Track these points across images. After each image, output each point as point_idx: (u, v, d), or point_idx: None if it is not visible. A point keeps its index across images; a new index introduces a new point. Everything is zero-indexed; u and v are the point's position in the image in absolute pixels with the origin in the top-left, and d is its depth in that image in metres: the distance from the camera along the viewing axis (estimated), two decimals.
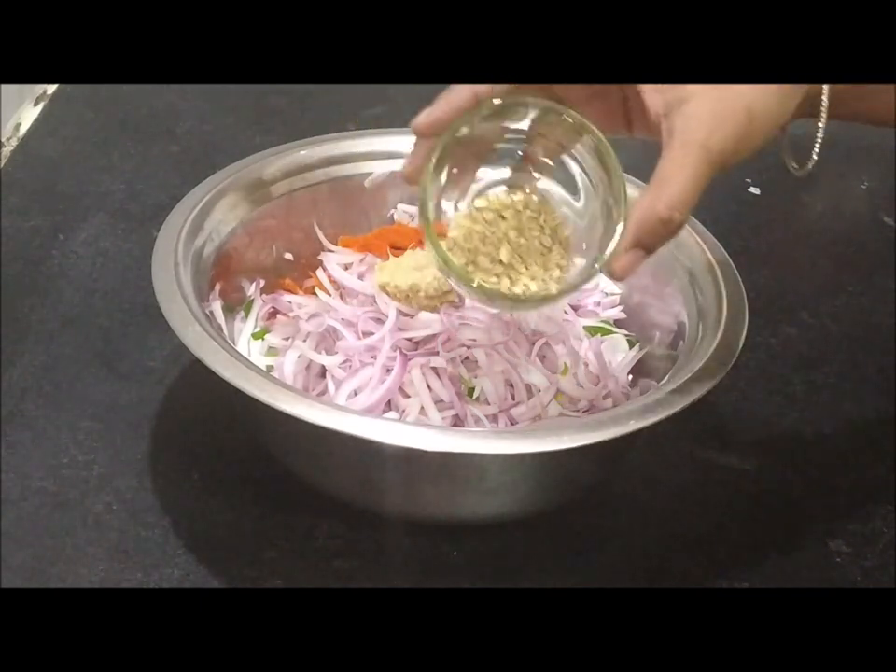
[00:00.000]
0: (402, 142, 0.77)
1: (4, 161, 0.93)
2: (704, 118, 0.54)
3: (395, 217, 0.77)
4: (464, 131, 0.56)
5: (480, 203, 0.58)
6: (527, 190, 0.59)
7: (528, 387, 0.65)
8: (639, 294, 0.73)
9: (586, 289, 0.72)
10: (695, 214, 0.72)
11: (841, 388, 0.78)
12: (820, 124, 0.59)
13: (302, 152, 0.75)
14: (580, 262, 0.58)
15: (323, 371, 0.65)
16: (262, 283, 0.71)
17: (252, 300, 0.70)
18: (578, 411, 0.66)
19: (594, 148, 0.57)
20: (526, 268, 0.57)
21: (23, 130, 0.98)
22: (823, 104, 0.59)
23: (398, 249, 0.71)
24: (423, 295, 0.65)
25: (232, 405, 0.66)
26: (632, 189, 0.74)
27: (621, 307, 0.73)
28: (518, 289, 0.57)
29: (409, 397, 0.63)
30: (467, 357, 0.64)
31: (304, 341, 0.66)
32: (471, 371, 0.64)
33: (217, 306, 0.67)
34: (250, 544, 0.64)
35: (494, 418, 0.64)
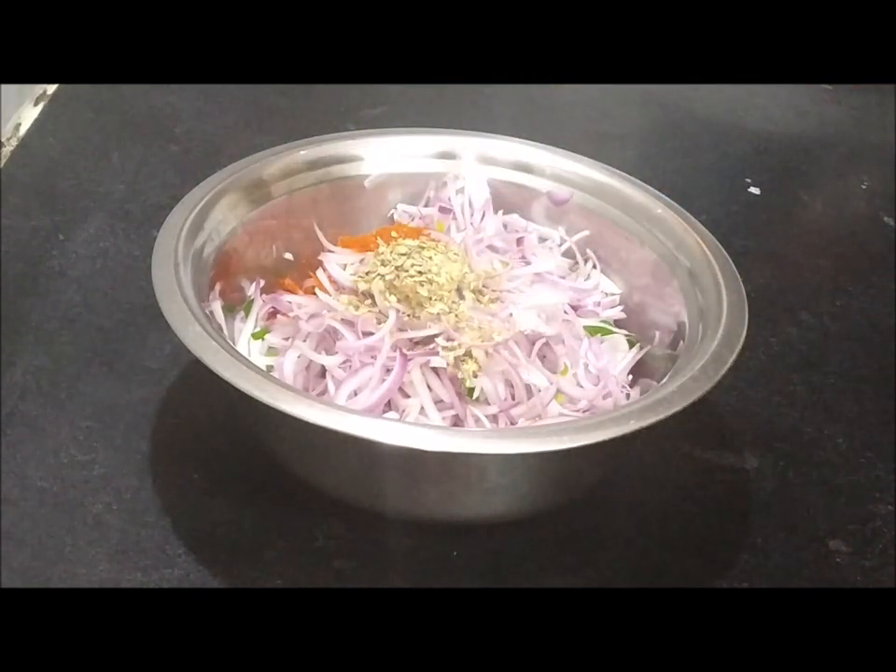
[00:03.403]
0: (402, 142, 0.77)
1: (4, 161, 0.93)
2: None
3: (395, 216, 0.77)
4: None
5: None
6: None
7: (528, 387, 0.65)
8: (639, 294, 0.73)
9: (586, 289, 0.73)
10: (696, 214, 0.73)
11: (841, 388, 0.78)
12: None
13: (302, 152, 0.75)
14: None
15: (323, 371, 0.65)
16: (262, 283, 0.71)
17: (252, 300, 0.70)
18: (578, 411, 0.66)
19: None
20: None
21: (23, 130, 0.97)
22: None
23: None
24: (423, 294, 0.65)
25: (232, 405, 0.66)
26: (631, 188, 0.75)
27: (621, 307, 0.73)
28: None
29: (409, 397, 0.63)
30: (467, 358, 0.64)
31: (304, 341, 0.66)
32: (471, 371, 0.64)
33: (217, 306, 0.67)
34: (250, 544, 0.64)
35: (494, 418, 0.64)
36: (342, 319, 0.65)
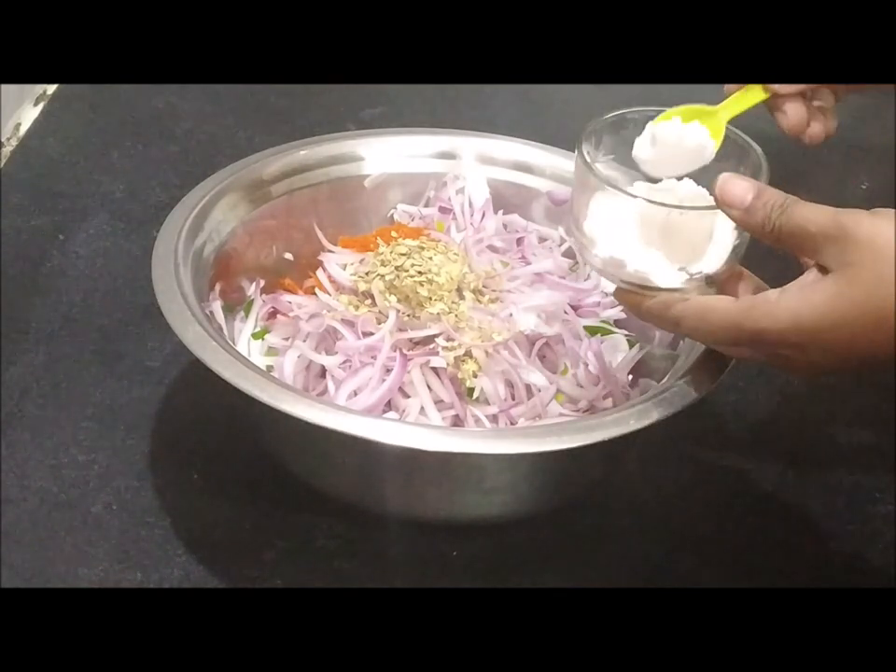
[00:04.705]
0: (402, 142, 0.77)
1: (4, 161, 0.93)
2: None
3: (395, 216, 0.77)
4: None
5: None
6: None
7: (528, 387, 0.65)
8: None
9: (586, 289, 0.73)
10: None
11: (841, 388, 0.78)
12: None
13: (302, 152, 0.75)
14: None
15: (323, 371, 0.65)
16: (262, 283, 0.71)
17: (252, 300, 0.70)
18: (578, 411, 0.66)
19: None
20: None
21: (23, 130, 0.98)
22: None
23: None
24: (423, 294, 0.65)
25: (232, 405, 0.66)
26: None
27: (621, 307, 0.73)
28: None
29: (409, 397, 0.63)
30: (467, 358, 0.64)
31: (304, 341, 0.66)
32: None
33: (216, 306, 0.67)
34: (250, 544, 0.64)
35: (494, 418, 0.64)
36: (342, 319, 0.65)
